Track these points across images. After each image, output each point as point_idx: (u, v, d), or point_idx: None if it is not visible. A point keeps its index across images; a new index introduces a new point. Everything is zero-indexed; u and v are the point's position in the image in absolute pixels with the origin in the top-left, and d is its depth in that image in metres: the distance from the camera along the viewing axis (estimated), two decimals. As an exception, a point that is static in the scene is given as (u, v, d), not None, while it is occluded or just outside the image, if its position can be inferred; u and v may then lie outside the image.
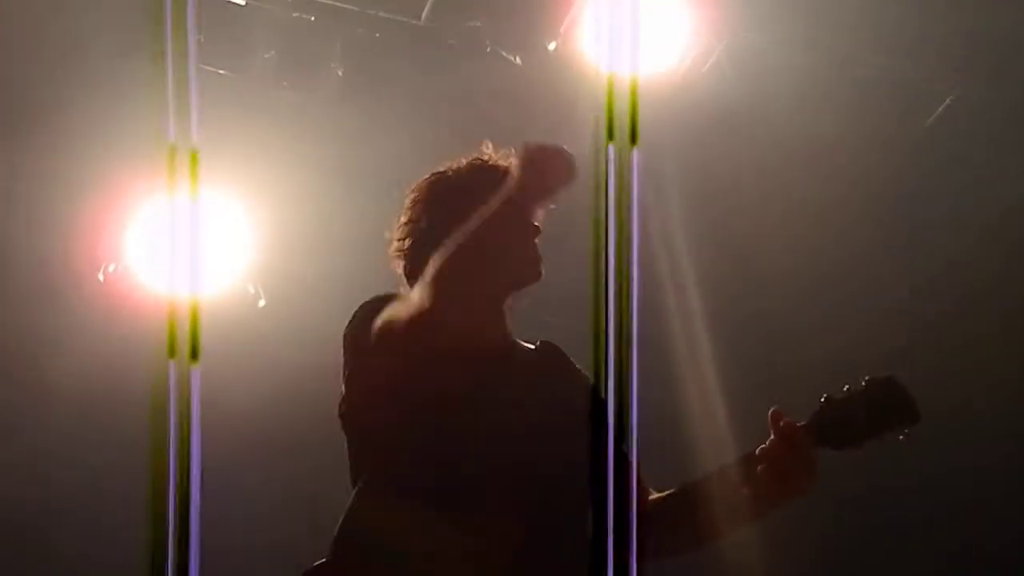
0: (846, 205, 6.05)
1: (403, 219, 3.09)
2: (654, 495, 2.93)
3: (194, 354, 1.72)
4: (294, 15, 5.53)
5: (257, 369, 6.07)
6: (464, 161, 3.07)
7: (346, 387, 2.96)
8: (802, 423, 2.84)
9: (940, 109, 5.79)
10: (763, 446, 2.82)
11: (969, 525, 6.43)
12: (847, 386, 2.87)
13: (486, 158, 3.06)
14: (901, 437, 2.84)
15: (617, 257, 1.84)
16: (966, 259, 6.13)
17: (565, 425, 2.65)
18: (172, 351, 1.72)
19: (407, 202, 3.11)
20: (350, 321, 2.98)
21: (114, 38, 5.40)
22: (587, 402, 2.83)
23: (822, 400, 2.88)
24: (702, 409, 6.18)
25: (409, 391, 2.84)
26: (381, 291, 3.17)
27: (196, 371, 1.85)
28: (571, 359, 3.02)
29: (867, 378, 2.88)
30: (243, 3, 5.48)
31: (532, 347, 3.03)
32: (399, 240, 3.07)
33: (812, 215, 6.06)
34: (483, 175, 3.01)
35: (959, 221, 6.10)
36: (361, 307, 2.98)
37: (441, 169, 3.09)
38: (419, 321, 2.81)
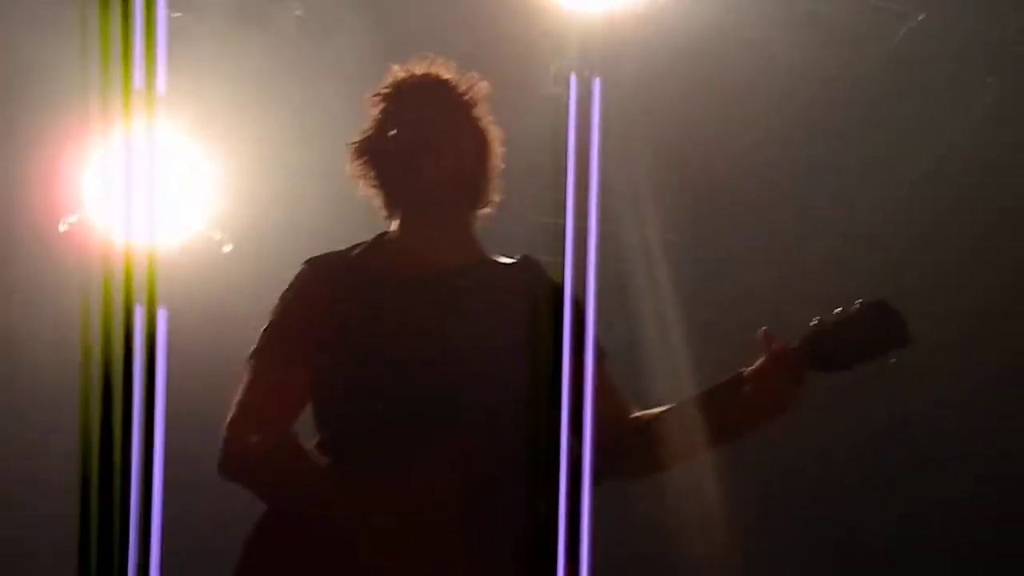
0: (810, 131, 6.04)
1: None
2: (638, 412, 2.96)
3: (153, 300, 1.69)
4: (250, -46, 5.45)
5: (223, 315, 6.03)
6: (402, 73, 3.09)
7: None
8: (793, 345, 2.86)
9: (902, 32, 5.76)
10: (753, 366, 2.84)
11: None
12: (838, 308, 2.89)
13: (419, 71, 3.07)
14: (892, 360, 2.85)
15: (577, 186, 1.83)
16: (931, 182, 6.13)
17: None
18: (129, 298, 1.69)
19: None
20: (289, 286, 3.01)
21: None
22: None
23: (813, 322, 2.89)
24: (662, 341, 6.19)
25: (345, 327, 2.86)
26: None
27: (162, 315, 1.82)
28: (548, 273, 3.01)
29: (859, 301, 2.89)
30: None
31: (512, 261, 3.04)
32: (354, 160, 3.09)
33: (777, 143, 6.04)
34: (414, 91, 3.02)
35: (924, 144, 6.09)
36: (298, 274, 3.01)
37: (381, 86, 3.11)
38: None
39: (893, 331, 2.85)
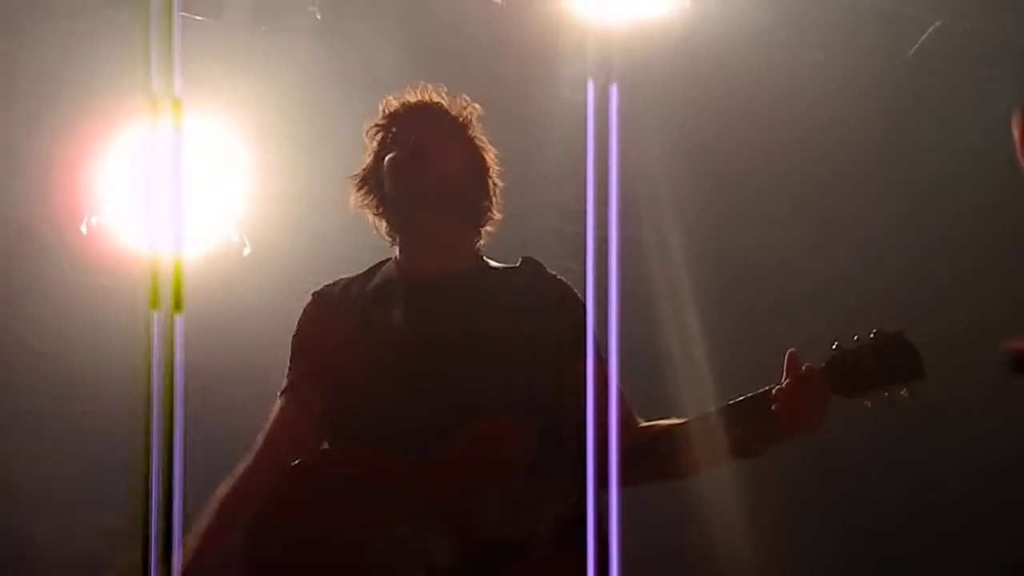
0: (830, 136, 6.05)
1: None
2: (651, 422, 2.99)
3: (177, 304, 1.71)
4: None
5: (242, 316, 6.06)
6: (395, 103, 3.14)
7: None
8: (820, 367, 2.88)
9: (922, 38, 5.77)
10: (780, 386, 2.87)
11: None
12: (856, 336, 2.91)
13: (412, 100, 3.12)
14: (904, 393, 2.89)
15: (598, 193, 1.85)
16: (950, 185, 6.13)
17: (531, 347, 2.79)
18: (155, 301, 1.72)
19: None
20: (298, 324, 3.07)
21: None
22: (560, 320, 2.89)
23: (833, 347, 2.92)
24: (681, 343, 6.21)
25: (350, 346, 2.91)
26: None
27: (179, 319, 1.85)
28: (550, 273, 3.05)
29: (876, 331, 2.92)
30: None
31: (513, 266, 3.08)
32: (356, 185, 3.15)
33: (797, 148, 6.05)
34: (407, 118, 3.10)
35: (943, 147, 6.09)
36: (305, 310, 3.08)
37: (377, 118, 3.16)
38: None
39: (908, 364, 2.89)
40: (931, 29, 5.75)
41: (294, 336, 3.07)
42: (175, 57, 2.02)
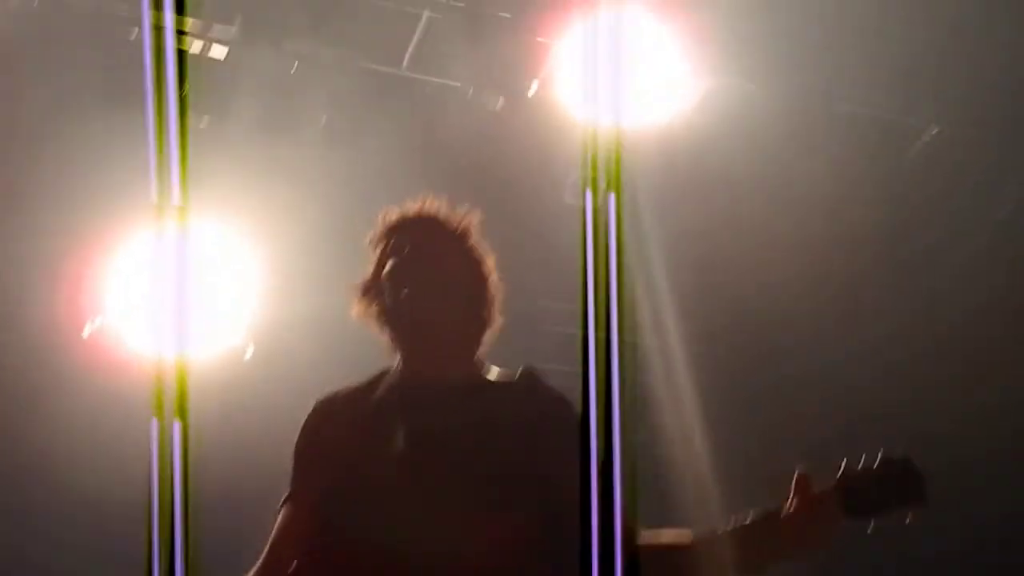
0: (827, 242, 6.08)
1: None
2: (649, 533, 2.97)
3: (181, 411, 1.72)
4: (276, 65, 5.56)
5: (244, 420, 6.05)
6: (395, 214, 3.18)
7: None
8: (828, 489, 2.88)
9: (919, 144, 5.83)
10: (790, 510, 2.86)
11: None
12: (863, 457, 2.91)
13: (411, 210, 3.16)
14: (907, 520, 2.88)
15: (597, 300, 1.87)
16: (947, 291, 6.16)
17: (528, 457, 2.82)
18: (159, 409, 1.73)
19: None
20: (300, 432, 3.09)
21: (100, 94, 5.42)
22: (558, 432, 2.89)
23: (840, 469, 2.91)
24: (684, 452, 6.19)
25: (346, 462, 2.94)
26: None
27: (178, 425, 1.86)
28: (547, 386, 3.06)
29: (882, 455, 2.91)
30: (225, 55, 5.51)
31: (511, 379, 3.08)
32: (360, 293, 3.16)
33: (795, 254, 6.08)
34: (406, 228, 3.14)
35: (939, 253, 6.12)
36: (308, 417, 3.10)
37: (378, 227, 3.20)
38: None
39: (914, 491, 2.89)
40: (926, 137, 5.82)
41: (297, 445, 3.08)
42: (180, 161, 2.04)
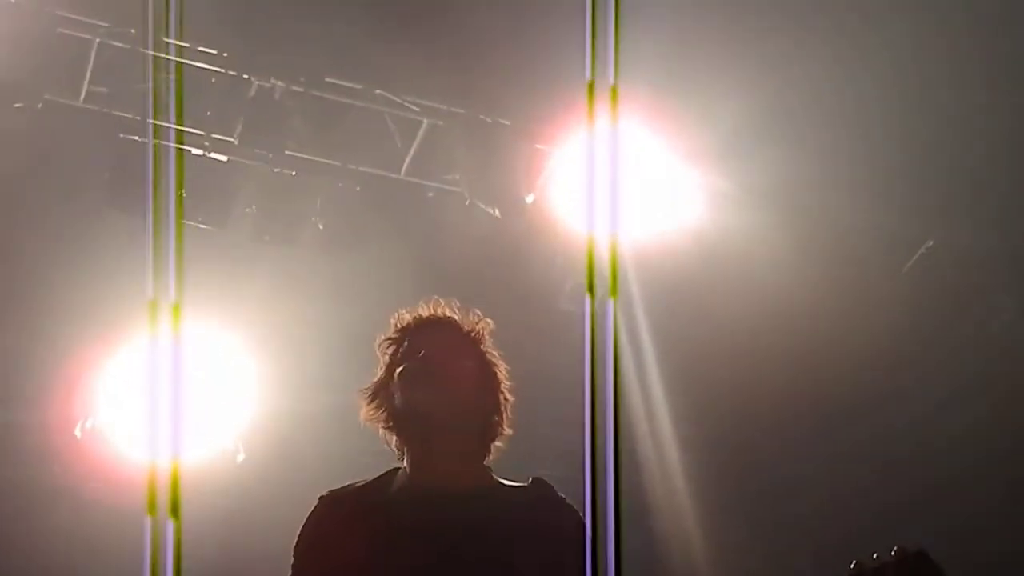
0: (824, 351, 6.09)
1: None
2: None
3: (175, 511, 1.70)
4: (275, 170, 5.60)
5: (235, 523, 6.01)
6: (408, 317, 3.15)
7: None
8: None
9: (917, 256, 5.87)
10: None
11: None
12: (876, 554, 2.85)
13: (424, 314, 3.14)
14: None
15: (592, 407, 1.87)
16: (950, 402, 6.15)
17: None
18: (152, 508, 1.71)
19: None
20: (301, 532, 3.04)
21: (98, 194, 5.46)
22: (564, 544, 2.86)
23: (852, 566, 2.84)
24: (683, 560, 6.14)
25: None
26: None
27: (171, 524, 1.84)
28: (558, 496, 3.02)
29: (896, 548, 2.85)
30: (225, 159, 5.55)
31: (522, 486, 3.04)
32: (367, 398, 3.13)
33: (792, 366, 6.08)
34: (419, 331, 3.10)
35: (939, 365, 6.12)
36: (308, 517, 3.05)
37: (391, 330, 3.17)
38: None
39: None
40: (923, 249, 5.86)
41: (298, 541, 3.02)
42: (175, 263, 2.05)
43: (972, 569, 5.50)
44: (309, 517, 3.03)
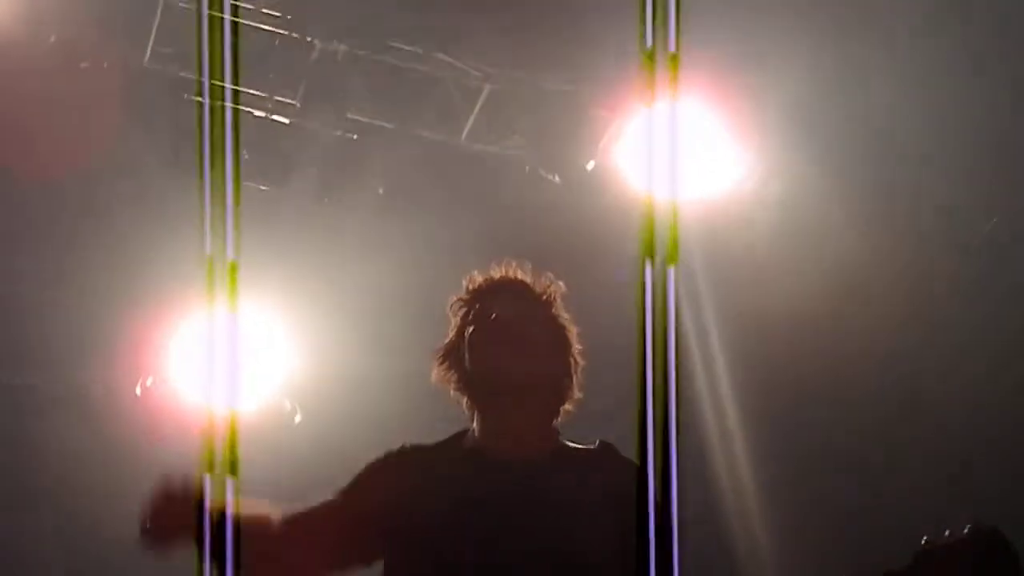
0: (884, 327, 6.03)
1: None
2: None
3: (232, 468, 1.72)
4: (336, 133, 5.61)
5: (291, 484, 6.05)
6: (479, 279, 3.14)
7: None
8: (904, 565, 2.81)
9: (986, 230, 5.80)
10: None
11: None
12: (948, 531, 2.81)
13: (496, 276, 3.13)
14: None
15: (655, 373, 1.86)
16: (1010, 381, 6.09)
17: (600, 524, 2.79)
18: (210, 465, 1.72)
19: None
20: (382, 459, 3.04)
21: (161, 154, 5.49)
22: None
23: (923, 542, 2.81)
24: (744, 533, 6.12)
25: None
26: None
27: (232, 483, 1.85)
28: (624, 458, 3.02)
29: (969, 526, 2.81)
30: (287, 122, 5.57)
31: (590, 448, 3.05)
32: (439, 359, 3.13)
33: (851, 341, 6.03)
34: (491, 294, 3.09)
35: (1006, 342, 6.05)
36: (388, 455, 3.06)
37: (463, 290, 3.16)
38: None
39: (1003, 563, 2.79)
40: (988, 227, 5.79)
41: (366, 469, 3.00)
42: (232, 222, 2.06)
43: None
44: (380, 457, 3.03)
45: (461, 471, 2.98)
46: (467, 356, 3.03)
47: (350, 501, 2.97)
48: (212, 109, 2.09)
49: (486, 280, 3.14)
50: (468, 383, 3.05)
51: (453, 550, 2.87)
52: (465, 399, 3.07)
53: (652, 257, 2.22)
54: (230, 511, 1.87)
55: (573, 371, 3.08)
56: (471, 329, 3.04)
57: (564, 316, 3.12)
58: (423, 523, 2.92)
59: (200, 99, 5.20)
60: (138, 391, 6.02)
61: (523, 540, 2.87)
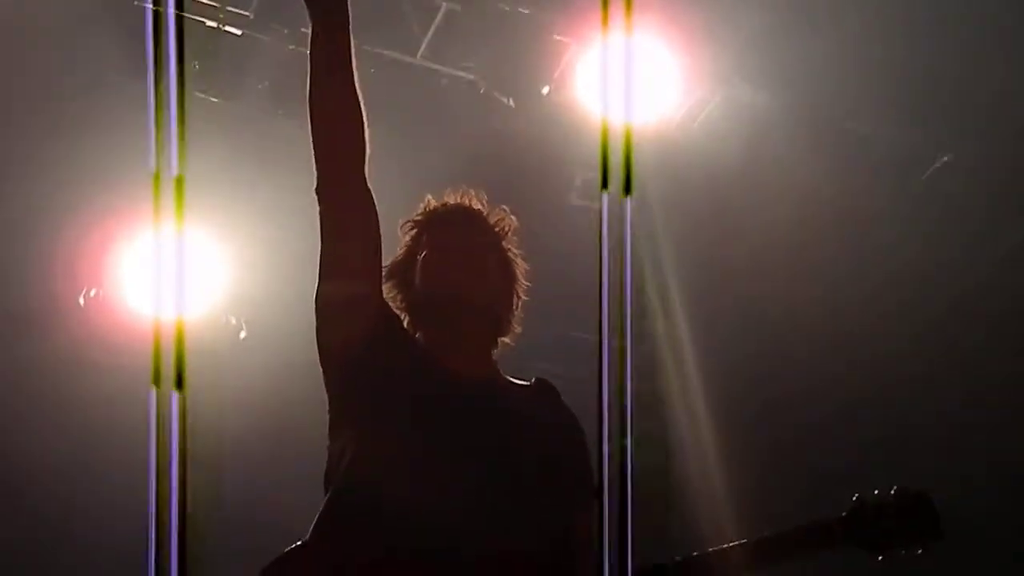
0: (836, 261, 6.07)
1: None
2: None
3: (179, 382, 1.70)
4: (290, 47, 5.53)
5: (237, 399, 6.03)
6: (434, 203, 3.14)
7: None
8: (836, 518, 2.92)
9: (932, 169, 5.83)
10: (796, 533, 2.93)
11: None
12: (877, 491, 2.94)
13: (451, 202, 3.12)
14: (919, 552, 2.91)
15: (612, 303, 1.85)
16: (954, 314, 6.14)
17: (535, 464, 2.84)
18: (157, 378, 1.70)
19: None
20: None
21: (105, 63, 5.40)
22: (568, 445, 2.89)
23: (854, 499, 2.93)
24: (697, 462, 6.18)
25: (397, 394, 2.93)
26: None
27: (176, 397, 1.84)
28: (561, 401, 3.05)
29: (897, 488, 2.94)
30: (239, 33, 5.48)
31: (526, 384, 3.07)
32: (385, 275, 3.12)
33: (802, 269, 6.06)
34: (445, 219, 3.11)
35: (950, 272, 6.10)
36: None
37: (417, 211, 3.16)
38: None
39: (928, 525, 2.92)
40: (938, 163, 5.82)
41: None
42: (179, 131, 2.02)
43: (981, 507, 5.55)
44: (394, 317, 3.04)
45: (422, 364, 2.99)
46: (418, 277, 3.03)
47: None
48: (158, 16, 2.03)
49: (441, 205, 3.14)
50: (413, 303, 3.05)
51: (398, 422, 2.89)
52: (407, 319, 3.08)
53: (607, 186, 2.21)
54: (175, 425, 1.85)
55: (514, 306, 3.11)
56: (424, 252, 3.04)
57: (514, 251, 3.13)
58: (380, 378, 2.92)
59: (147, 4, 5.09)
60: (81, 301, 5.96)
61: (473, 461, 2.88)
